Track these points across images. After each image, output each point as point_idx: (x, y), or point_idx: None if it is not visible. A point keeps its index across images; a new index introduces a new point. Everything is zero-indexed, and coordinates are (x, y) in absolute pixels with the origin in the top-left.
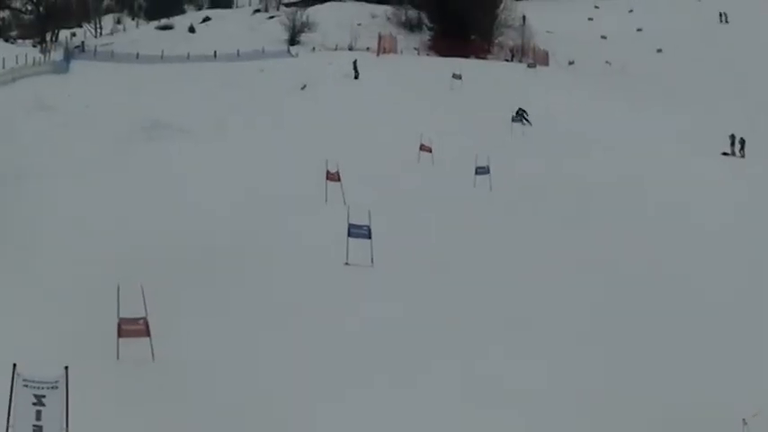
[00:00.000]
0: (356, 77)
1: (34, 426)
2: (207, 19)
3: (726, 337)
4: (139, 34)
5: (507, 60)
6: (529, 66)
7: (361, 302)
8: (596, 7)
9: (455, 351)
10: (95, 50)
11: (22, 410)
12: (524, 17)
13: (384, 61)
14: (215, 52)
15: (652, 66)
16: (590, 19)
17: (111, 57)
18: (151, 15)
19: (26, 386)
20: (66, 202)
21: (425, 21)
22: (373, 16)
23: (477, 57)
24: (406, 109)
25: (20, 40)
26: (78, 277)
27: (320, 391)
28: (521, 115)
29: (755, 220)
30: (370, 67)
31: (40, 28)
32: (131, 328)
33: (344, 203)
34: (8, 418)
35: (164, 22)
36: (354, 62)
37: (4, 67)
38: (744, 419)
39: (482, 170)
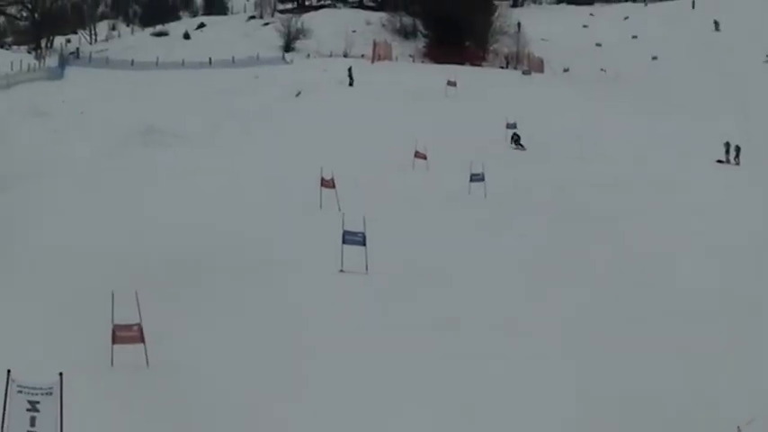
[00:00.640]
0: (351, 84)
1: None
2: (202, 25)
3: (720, 341)
4: (134, 41)
5: (502, 67)
6: (524, 73)
7: (356, 309)
8: (591, 15)
9: (450, 357)
10: (90, 57)
11: (16, 417)
12: (519, 24)
13: (379, 68)
14: (210, 59)
15: (647, 73)
16: (585, 26)
17: (106, 63)
18: (146, 22)
19: (20, 392)
20: (61, 209)
21: (420, 28)
22: (368, 23)
23: (472, 64)
24: (400, 116)
25: (15, 47)
26: (72, 283)
27: (315, 396)
28: (515, 140)
29: (750, 226)
30: (365, 74)
31: (35, 34)
32: (126, 334)
33: (339, 210)
34: (2, 425)
35: (159, 28)
36: (349, 69)
37: None
38: (738, 427)
39: (477, 177)
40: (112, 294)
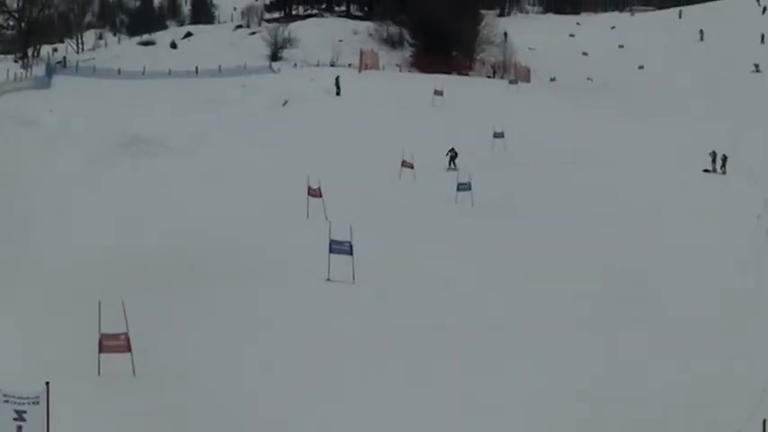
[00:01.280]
0: (338, 94)
1: None
2: (189, 35)
3: (706, 346)
4: (121, 50)
5: (489, 77)
6: (510, 82)
7: (343, 318)
8: (578, 24)
9: (435, 367)
10: (77, 66)
11: (2, 426)
12: (506, 34)
13: (366, 77)
14: (197, 68)
15: (633, 82)
16: (571, 35)
17: (93, 72)
18: (133, 31)
19: (7, 401)
20: (47, 218)
21: (407, 37)
22: (355, 32)
23: (459, 73)
24: (387, 125)
25: (1, 56)
26: (59, 292)
27: (300, 405)
28: (451, 158)
29: (735, 235)
30: (352, 84)
31: (21, 43)
32: (112, 343)
33: (326, 219)
34: None
35: (145, 37)
36: (336, 78)
37: None
38: None
39: (464, 186)
40: (99, 304)
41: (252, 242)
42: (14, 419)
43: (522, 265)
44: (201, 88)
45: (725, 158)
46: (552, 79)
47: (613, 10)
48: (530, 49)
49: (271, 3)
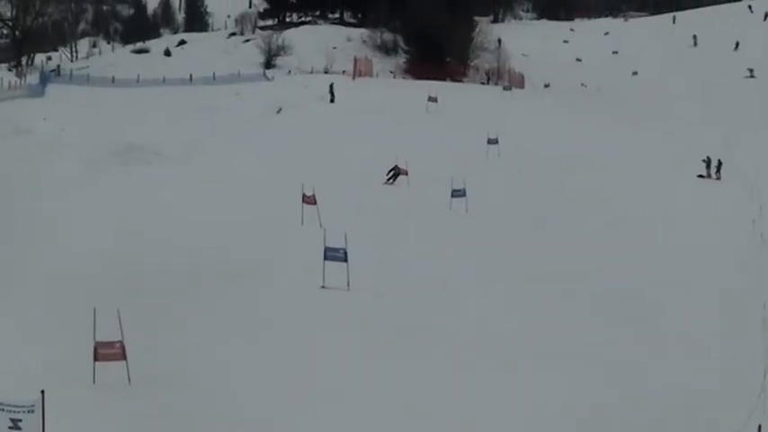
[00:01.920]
0: (332, 101)
1: None
2: (182, 42)
3: (704, 349)
4: (115, 58)
5: (483, 83)
6: (504, 88)
7: (337, 325)
8: (572, 30)
9: (430, 376)
10: (71, 74)
11: None
12: (500, 40)
13: (360, 84)
14: (191, 76)
15: (627, 88)
16: (565, 42)
17: (87, 80)
18: (127, 39)
19: (2, 410)
20: (41, 225)
21: (401, 44)
22: (349, 39)
23: (453, 79)
24: (382, 132)
25: None
26: (54, 300)
27: (297, 411)
28: (394, 173)
29: (731, 240)
30: (346, 91)
31: (15, 51)
32: (108, 351)
33: (321, 226)
34: None
35: (139, 45)
36: (330, 85)
37: None
38: None
39: (458, 193)
40: (94, 311)
41: (246, 249)
42: (10, 428)
43: (518, 271)
44: (195, 96)
45: (719, 164)
46: (546, 85)
47: (607, 16)
48: (524, 55)
49: (264, 10)
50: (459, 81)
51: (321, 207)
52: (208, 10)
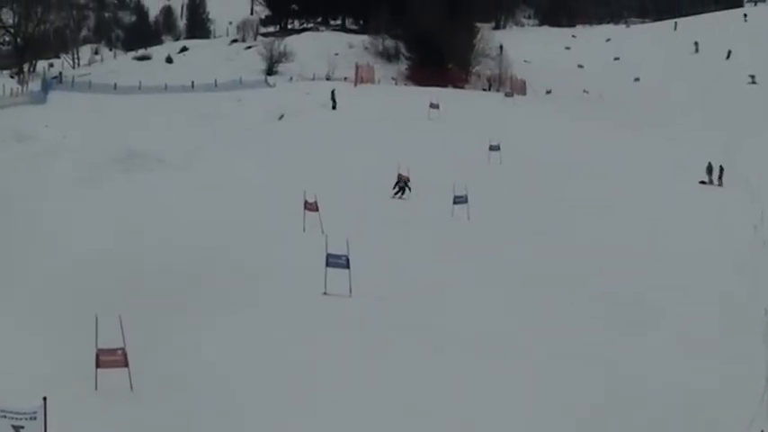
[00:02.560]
0: (334, 107)
1: None
2: (184, 49)
3: (704, 353)
4: (117, 65)
5: (485, 90)
6: (506, 95)
7: (339, 331)
8: (573, 37)
9: (430, 377)
10: (73, 81)
11: None
12: (501, 47)
13: (362, 91)
14: (192, 82)
15: (629, 94)
16: (567, 48)
17: (89, 87)
18: (129, 46)
19: (4, 417)
20: (44, 232)
21: (403, 50)
22: (351, 46)
23: (455, 86)
24: (383, 138)
25: None
26: (56, 304)
27: (299, 418)
28: (400, 188)
29: (733, 245)
30: (348, 97)
31: (17, 59)
32: (109, 358)
33: (323, 233)
34: None
35: (141, 52)
36: (332, 92)
37: None
38: None
39: (460, 199)
40: (96, 318)
41: (248, 256)
42: None
43: (520, 277)
44: (197, 103)
45: (721, 170)
46: (548, 92)
47: (609, 22)
48: (525, 61)
49: (266, 17)
50: (461, 88)
51: (323, 214)
52: (209, 17)
